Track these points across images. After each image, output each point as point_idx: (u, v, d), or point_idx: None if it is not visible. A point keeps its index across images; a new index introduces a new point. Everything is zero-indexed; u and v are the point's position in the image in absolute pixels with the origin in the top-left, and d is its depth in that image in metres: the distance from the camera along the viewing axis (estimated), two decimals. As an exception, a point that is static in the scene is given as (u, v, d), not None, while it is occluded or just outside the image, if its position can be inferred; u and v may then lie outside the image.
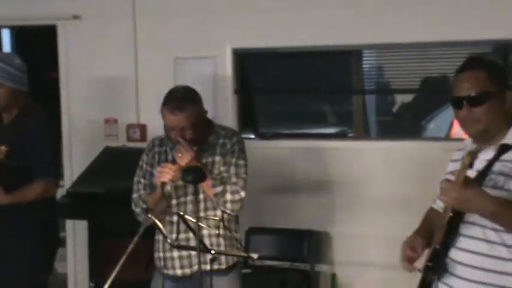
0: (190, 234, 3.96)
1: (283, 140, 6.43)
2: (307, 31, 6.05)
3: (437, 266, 3.15)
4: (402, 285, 3.92)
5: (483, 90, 3.09)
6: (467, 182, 2.87)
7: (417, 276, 3.28)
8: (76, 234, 6.74)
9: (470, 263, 3.09)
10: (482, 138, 3.15)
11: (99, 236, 5.98)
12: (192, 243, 3.98)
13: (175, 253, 4.08)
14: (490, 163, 3.04)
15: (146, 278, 4.24)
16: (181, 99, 4.05)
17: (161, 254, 4.19)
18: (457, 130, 6.05)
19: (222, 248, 4.09)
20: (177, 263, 4.09)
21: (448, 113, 6.45)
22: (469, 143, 3.28)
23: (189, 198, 4.03)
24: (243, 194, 4.02)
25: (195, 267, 4.03)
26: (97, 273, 5.80)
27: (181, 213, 3.82)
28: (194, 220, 3.69)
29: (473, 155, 2.95)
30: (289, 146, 6.28)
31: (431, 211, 3.49)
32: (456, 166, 3.19)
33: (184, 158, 3.91)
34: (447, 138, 6.28)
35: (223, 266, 4.13)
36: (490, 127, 3.09)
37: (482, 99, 3.10)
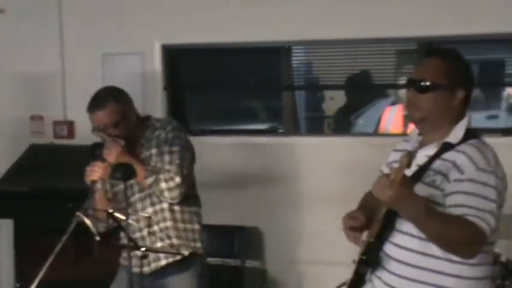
0: (144, 233, 4.04)
1: (214, 136, 6.44)
2: (237, 27, 6.05)
3: (371, 259, 3.16)
4: (333, 281, 3.95)
5: (433, 80, 3.09)
6: (404, 182, 2.86)
7: (348, 272, 3.31)
8: (0, 233, 6.62)
9: (403, 259, 3.10)
10: (421, 127, 3.17)
11: (24, 236, 5.88)
12: (147, 240, 4.06)
13: (138, 252, 3.99)
14: (431, 160, 3.05)
15: (75, 277, 4.19)
16: (100, 97, 4.05)
17: (125, 254, 4.14)
18: (385, 125, 6.15)
19: (175, 241, 4.07)
20: (138, 261, 4.00)
21: (376, 109, 6.54)
22: (414, 135, 3.28)
23: (137, 195, 4.03)
24: (177, 179, 3.95)
25: (153, 265, 4.07)
26: (23, 273, 5.72)
27: (111, 210, 3.80)
28: (123, 217, 3.69)
29: (411, 156, 2.93)
30: (219, 142, 6.29)
31: (369, 194, 3.37)
32: (398, 157, 3.19)
33: (112, 154, 3.89)
34: (375, 133, 6.38)
35: (178, 258, 4.09)
36: (429, 118, 3.10)
37: (429, 88, 3.10)
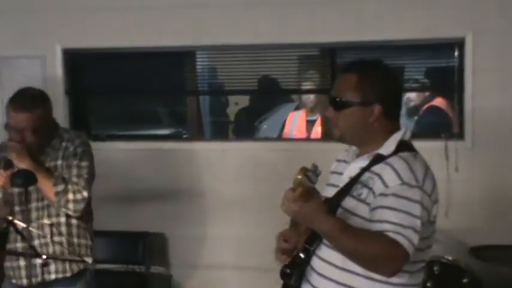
0: (42, 241, 3.96)
1: (118, 141, 6.41)
2: (140, 32, 6.07)
3: (295, 273, 3.10)
4: (237, 285, 4.00)
5: (345, 96, 3.05)
6: (304, 196, 2.76)
7: (254, 276, 3.32)
8: None
9: (325, 273, 3.06)
10: (345, 143, 3.15)
11: None
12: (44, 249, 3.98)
13: (22, 262, 3.99)
14: (361, 172, 3.00)
15: None
16: (28, 99, 3.99)
17: (8, 264, 4.11)
18: (289, 130, 6.24)
19: (67, 255, 4.03)
20: (23, 272, 3.98)
21: (280, 114, 6.62)
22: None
23: (34, 204, 3.95)
24: (85, 194, 3.95)
25: (41, 277, 3.99)
26: None
27: (11, 218, 3.74)
28: (24, 225, 3.66)
29: (304, 171, 2.80)
30: (123, 147, 6.28)
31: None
32: (339, 166, 3.23)
33: (23, 160, 3.84)
34: (279, 138, 6.44)
35: (68, 274, 4.06)
36: (347, 136, 3.08)
37: (342, 105, 3.05)
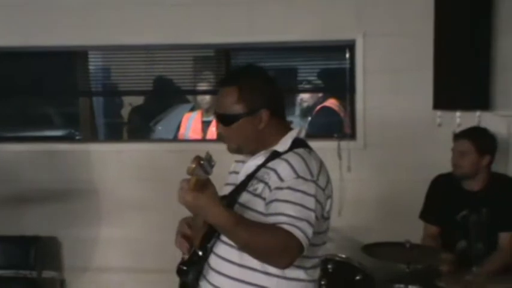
0: None
1: (7, 143, 6.28)
2: (31, 31, 5.98)
3: (191, 270, 3.12)
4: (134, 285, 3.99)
5: (231, 111, 3.09)
6: (200, 188, 2.77)
7: (151, 278, 3.33)
8: None
9: (222, 270, 3.08)
10: (241, 153, 3.19)
11: None
12: None
13: None
14: (258, 168, 3.07)
15: None
16: None
17: None
18: (184, 131, 6.26)
19: None
20: None
21: (175, 115, 6.63)
22: None
23: None
24: None
25: None
26: None
27: None
28: None
29: (198, 160, 2.79)
30: (14, 149, 6.17)
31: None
32: (237, 166, 3.26)
33: None
34: (175, 139, 6.45)
35: None
36: (243, 146, 3.12)
37: (231, 120, 3.09)
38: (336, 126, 6.08)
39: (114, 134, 6.84)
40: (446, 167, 5.22)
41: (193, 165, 2.76)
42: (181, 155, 3.38)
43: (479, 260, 4.80)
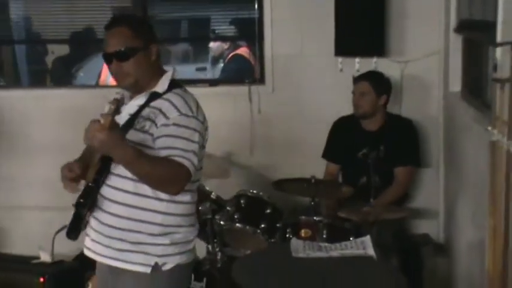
0: None
1: None
2: None
3: (88, 202, 3.20)
4: (59, 224, 4.01)
5: (128, 46, 3.20)
6: (112, 127, 2.94)
7: (68, 216, 3.37)
8: None
9: (117, 199, 3.22)
10: (134, 89, 3.27)
11: None
12: None
13: None
14: (140, 108, 3.20)
15: None
16: None
17: None
18: (105, 78, 6.23)
19: None
20: None
21: (96, 62, 6.58)
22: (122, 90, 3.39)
23: None
24: None
25: None
26: None
27: None
28: None
29: (118, 102, 3.05)
30: None
31: (83, 157, 3.48)
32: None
33: None
34: (96, 85, 6.41)
35: None
36: (140, 79, 3.22)
37: (129, 55, 3.21)
38: (246, 73, 6.11)
39: (37, 81, 6.72)
40: (347, 110, 5.35)
41: (113, 107, 2.95)
42: (103, 101, 3.42)
43: (376, 192, 4.88)
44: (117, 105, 3.05)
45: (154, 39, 3.37)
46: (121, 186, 3.22)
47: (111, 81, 6.34)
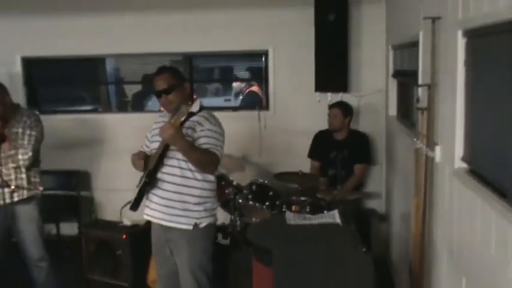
0: (10, 177, 3.93)
1: (57, 115, 6.01)
2: (70, 44, 5.82)
3: (151, 182, 3.29)
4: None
5: (170, 84, 3.27)
6: (177, 127, 3.02)
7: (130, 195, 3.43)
8: None
9: (169, 180, 3.30)
10: (175, 112, 3.22)
11: None
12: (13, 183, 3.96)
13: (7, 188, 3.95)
14: (183, 121, 3.14)
15: None
16: None
17: None
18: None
19: (25, 186, 3.98)
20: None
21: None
22: (166, 113, 3.45)
23: (3, 155, 3.88)
24: (30, 154, 3.91)
25: (8, 199, 3.97)
26: None
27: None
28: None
29: (187, 109, 3.06)
30: (60, 118, 5.95)
31: (141, 152, 3.53)
32: (158, 126, 3.30)
33: None
34: (158, 110, 6.22)
35: (25, 197, 4.02)
36: (178, 105, 3.20)
37: (170, 90, 3.27)
38: (257, 102, 6.09)
39: (122, 108, 6.73)
40: (323, 126, 5.33)
41: (185, 111, 3.00)
42: (162, 120, 3.44)
43: (342, 181, 4.93)
44: (185, 115, 3.06)
45: (186, 79, 3.46)
46: (171, 172, 3.29)
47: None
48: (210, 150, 3.19)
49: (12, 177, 3.95)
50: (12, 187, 3.90)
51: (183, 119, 3.05)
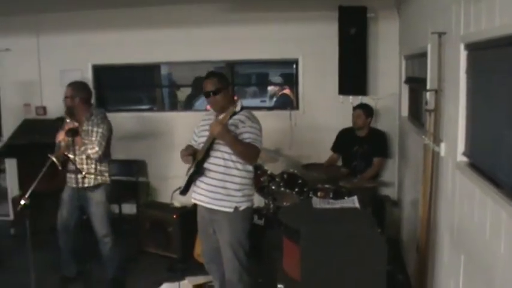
0: (82, 166, 3.98)
1: (120, 112, 5.95)
2: (133, 53, 5.88)
3: (199, 171, 3.30)
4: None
5: (217, 87, 3.26)
6: (225, 124, 3.06)
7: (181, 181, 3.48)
8: (10, 164, 6.21)
9: (214, 169, 3.30)
10: (221, 111, 3.27)
11: (23, 167, 5.63)
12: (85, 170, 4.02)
13: (72, 175, 3.98)
14: (229, 119, 3.19)
15: (50, 187, 4.07)
16: (77, 86, 4.05)
17: (68, 175, 4.11)
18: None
19: (97, 174, 4.05)
20: (73, 181, 3.95)
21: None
22: (212, 111, 3.43)
23: (76, 147, 3.86)
24: (97, 148, 3.94)
25: (81, 185, 4.03)
26: (22, 186, 5.50)
27: (67, 153, 3.84)
28: (71, 158, 3.79)
29: (232, 112, 3.13)
30: (122, 116, 5.88)
31: (189, 146, 3.48)
32: (205, 122, 3.36)
33: (68, 126, 3.88)
34: (205, 110, 6.17)
35: (96, 183, 4.09)
36: (224, 105, 3.24)
37: (217, 92, 3.26)
38: (289, 103, 6.03)
39: (174, 107, 6.75)
40: (345, 124, 5.28)
41: (231, 111, 3.05)
42: (209, 117, 3.46)
43: (361, 172, 4.93)
44: (229, 114, 3.10)
45: (230, 83, 3.43)
46: (216, 163, 3.27)
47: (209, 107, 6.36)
48: (252, 143, 3.20)
49: (84, 166, 4.02)
50: (83, 173, 3.98)
51: (229, 117, 3.08)
